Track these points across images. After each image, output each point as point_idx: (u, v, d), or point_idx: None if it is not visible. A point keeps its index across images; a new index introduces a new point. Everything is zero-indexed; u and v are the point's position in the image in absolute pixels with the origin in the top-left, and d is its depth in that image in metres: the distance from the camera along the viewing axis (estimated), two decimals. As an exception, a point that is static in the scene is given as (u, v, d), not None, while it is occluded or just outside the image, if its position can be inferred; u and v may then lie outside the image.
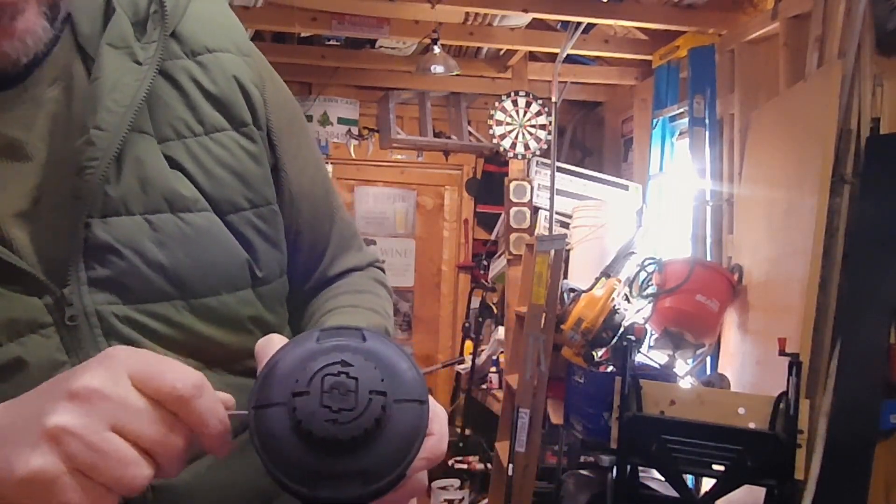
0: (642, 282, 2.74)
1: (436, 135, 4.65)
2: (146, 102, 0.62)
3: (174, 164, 0.64)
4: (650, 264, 2.74)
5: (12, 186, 0.58)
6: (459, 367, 4.44)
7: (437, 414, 0.53)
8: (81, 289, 0.59)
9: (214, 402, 0.48)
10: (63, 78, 0.62)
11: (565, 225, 3.69)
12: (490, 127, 3.97)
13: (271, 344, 0.53)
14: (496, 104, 3.98)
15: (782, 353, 1.97)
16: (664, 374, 2.52)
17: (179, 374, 0.46)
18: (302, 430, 0.44)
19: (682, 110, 3.24)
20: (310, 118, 4.41)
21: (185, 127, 0.65)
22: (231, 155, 0.67)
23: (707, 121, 3.00)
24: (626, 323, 2.63)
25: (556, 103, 3.74)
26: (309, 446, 0.44)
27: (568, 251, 3.39)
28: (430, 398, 0.50)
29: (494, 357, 4.04)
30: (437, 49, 3.53)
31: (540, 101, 3.97)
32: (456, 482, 3.94)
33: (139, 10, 0.64)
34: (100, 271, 0.59)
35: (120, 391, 0.44)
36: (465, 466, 4.01)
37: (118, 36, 0.62)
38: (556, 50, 3.57)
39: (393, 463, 0.46)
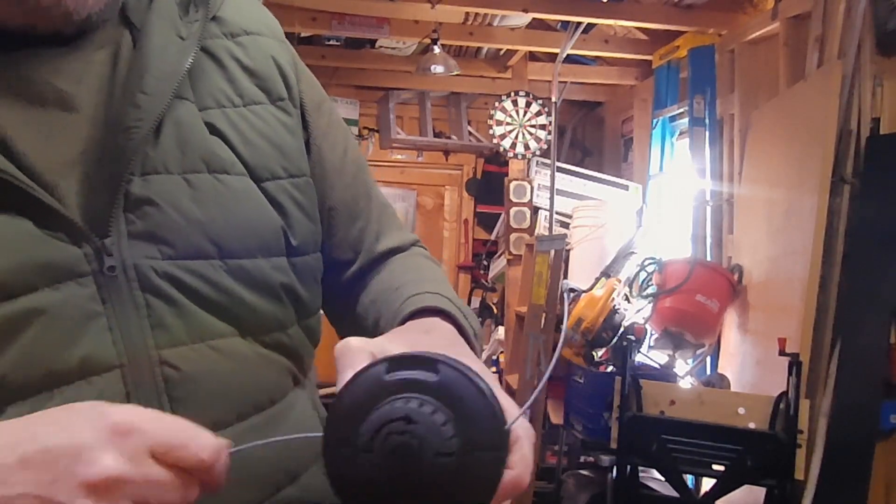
0: (642, 282, 2.74)
1: (436, 135, 4.65)
2: (188, 74, 0.65)
3: (214, 130, 0.66)
4: (650, 264, 2.74)
5: (59, 136, 0.60)
6: (459, 367, 4.43)
7: (521, 443, 0.50)
8: (121, 241, 0.60)
9: (226, 458, 0.48)
10: (110, 44, 0.64)
11: (565, 225, 3.69)
12: (490, 127, 3.97)
13: (349, 352, 0.52)
14: (496, 104, 3.98)
15: (782, 353, 1.97)
16: (664, 374, 2.52)
17: (203, 443, 0.46)
18: (368, 482, 0.44)
19: (682, 110, 3.24)
20: (310, 118, 4.41)
21: (224, 98, 0.68)
22: (268, 126, 0.70)
23: (707, 121, 3.01)
24: (626, 323, 2.63)
25: (556, 103, 3.74)
26: (373, 495, 0.44)
27: (568, 251, 3.39)
28: (518, 420, 0.47)
29: (494, 357, 4.04)
30: (437, 49, 3.53)
31: (540, 101, 3.97)
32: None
33: None
34: (139, 225, 0.60)
35: (143, 471, 0.45)
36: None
37: (164, 11, 0.66)
38: (556, 50, 3.57)
39: None
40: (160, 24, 0.65)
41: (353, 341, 0.53)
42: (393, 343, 0.55)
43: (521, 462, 0.48)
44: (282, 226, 0.69)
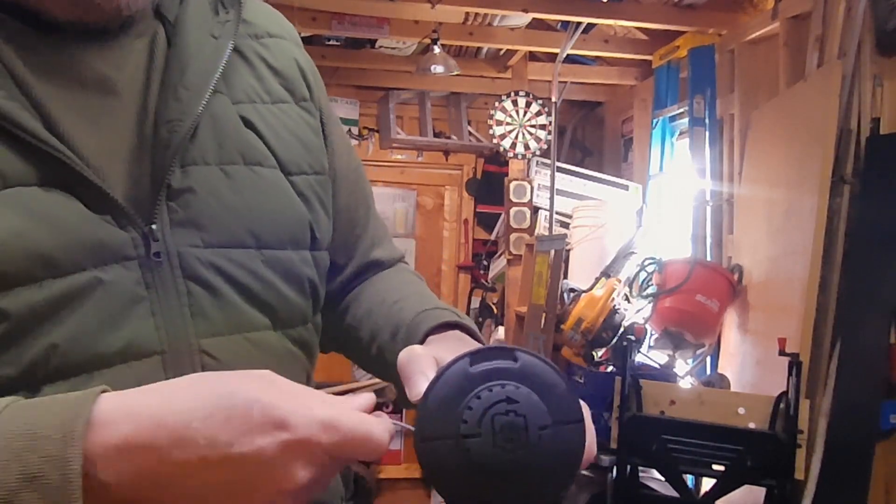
0: (642, 282, 2.74)
1: (436, 135, 4.65)
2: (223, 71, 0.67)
3: (247, 123, 0.69)
4: (650, 264, 2.74)
5: (101, 121, 0.61)
6: (459, 367, 4.43)
7: (587, 416, 0.54)
8: (165, 228, 0.61)
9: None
10: (146, 34, 0.66)
11: (565, 225, 3.69)
12: (490, 127, 3.97)
13: (417, 357, 0.54)
14: (496, 104, 3.98)
15: (782, 353, 1.97)
16: (664, 374, 2.52)
17: (378, 442, 0.48)
18: (474, 465, 0.46)
19: (682, 110, 3.24)
20: (310, 118, 4.41)
21: (255, 94, 0.71)
22: (295, 123, 0.73)
23: (707, 121, 3.00)
24: (626, 323, 2.63)
25: (556, 103, 3.74)
26: (480, 477, 0.46)
27: (568, 251, 3.39)
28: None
29: (494, 357, 4.04)
30: (437, 49, 3.53)
31: (540, 101, 3.96)
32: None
33: None
34: (181, 213, 0.62)
35: (325, 472, 0.48)
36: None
37: (197, 10, 0.68)
38: (556, 50, 3.57)
39: (559, 483, 0.48)
40: (194, 22, 0.67)
41: (417, 348, 0.56)
42: (440, 350, 0.57)
43: (590, 433, 0.52)
44: (309, 220, 0.71)
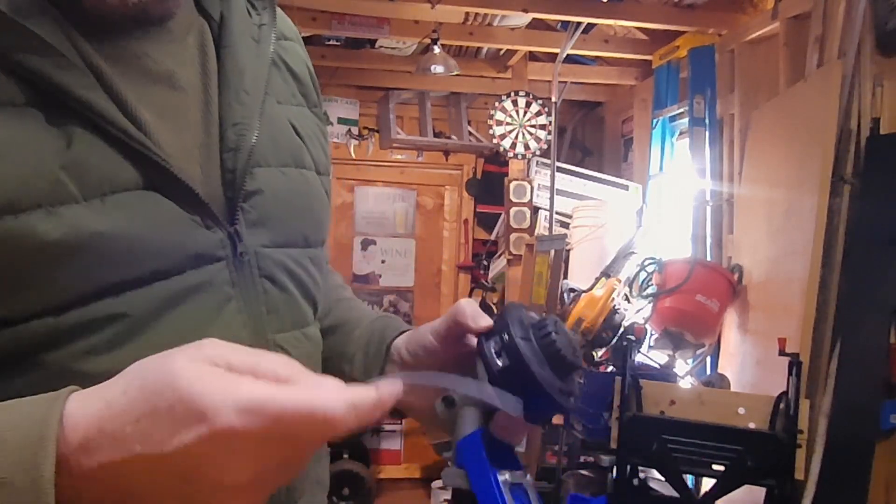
0: (642, 282, 2.74)
1: (436, 135, 4.65)
2: None
3: (290, 125, 0.71)
4: (650, 264, 2.74)
5: (170, 116, 0.60)
6: (459, 367, 4.43)
7: None
8: (243, 229, 0.62)
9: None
10: (195, 29, 0.66)
11: (565, 225, 3.69)
12: (490, 127, 3.97)
13: (470, 304, 0.65)
14: (496, 104, 3.98)
15: (782, 353, 1.97)
16: (664, 374, 2.51)
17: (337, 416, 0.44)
18: (555, 356, 0.60)
19: (682, 110, 3.24)
20: (310, 118, 4.41)
21: (288, 96, 0.73)
22: (313, 126, 0.75)
23: (707, 121, 3.00)
24: (626, 323, 2.63)
25: (556, 103, 3.74)
26: (557, 369, 0.60)
27: (568, 251, 3.39)
28: None
29: (494, 357, 4.04)
30: (437, 49, 3.53)
31: (540, 101, 3.96)
32: (456, 482, 3.93)
33: None
34: (253, 214, 0.63)
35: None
36: (465, 466, 4.00)
37: (239, 10, 0.69)
38: (556, 50, 3.57)
39: (576, 386, 0.64)
40: (239, 22, 0.68)
41: (465, 300, 0.67)
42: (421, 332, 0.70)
43: None
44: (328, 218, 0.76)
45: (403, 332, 0.75)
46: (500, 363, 0.58)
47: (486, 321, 0.63)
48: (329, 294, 0.83)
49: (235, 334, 0.60)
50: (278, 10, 0.75)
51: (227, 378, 0.42)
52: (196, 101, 0.63)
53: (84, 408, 0.42)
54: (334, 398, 0.43)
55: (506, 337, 0.59)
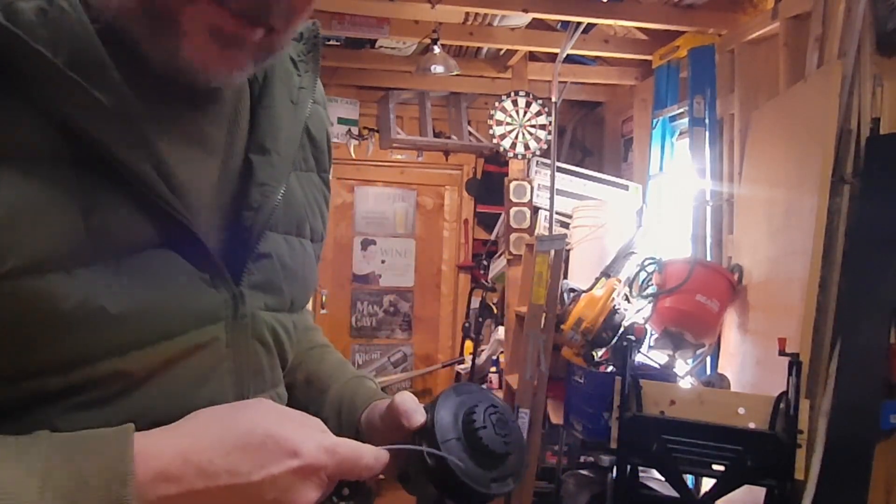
0: (642, 282, 2.74)
1: (436, 135, 4.65)
2: None
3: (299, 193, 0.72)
4: (650, 264, 2.74)
5: (198, 176, 0.61)
6: (459, 368, 4.44)
7: None
8: (246, 290, 0.63)
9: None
10: (235, 90, 0.66)
11: (565, 225, 3.69)
12: (490, 127, 3.97)
13: (408, 399, 0.68)
14: (496, 104, 3.98)
15: (782, 353, 1.97)
16: (664, 374, 2.52)
17: (368, 465, 0.60)
18: (482, 451, 0.64)
19: (682, 110, 3.24)
20: (310, 118, 4.41)
21: (300, 161, 0.73)
22: (318, 192, 0.76)
23: (707, 121, 3.00)
24: (626, 323, 2.63)
25: (556, 103, 3.74)
26: (484, 462, 0.65)
27: (568, 251, 3.39)
28: None
29: (494, 357, 4.04)
30: (437, 49, 3.53)
31: (540, 101, 3.96)
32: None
33: (297, 47, 0.71)
34: (257, 276, 0.64)
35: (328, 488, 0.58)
36: (465, 466, 4.00)
37: (283, 69, 0.69)
38: (556, 50, 3.57)
39: (522, 462, 0.69)
40: (281, 85, 0.68)
41: (406, 393, 0.70)
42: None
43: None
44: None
45: (372, 401, 0.80)
46: (429, 461, 0.63)
47: (419, 418, 0.66)
48: (301, 340, 0.83)
49: (223, 393, 0.60)
50: None
51: (305, 425, 0.57)
52: (217, 159, 0.63)
53: (157, 443, 0.51)
54: (368, 449, 0.59)
55: (434, 438, 0.64)
